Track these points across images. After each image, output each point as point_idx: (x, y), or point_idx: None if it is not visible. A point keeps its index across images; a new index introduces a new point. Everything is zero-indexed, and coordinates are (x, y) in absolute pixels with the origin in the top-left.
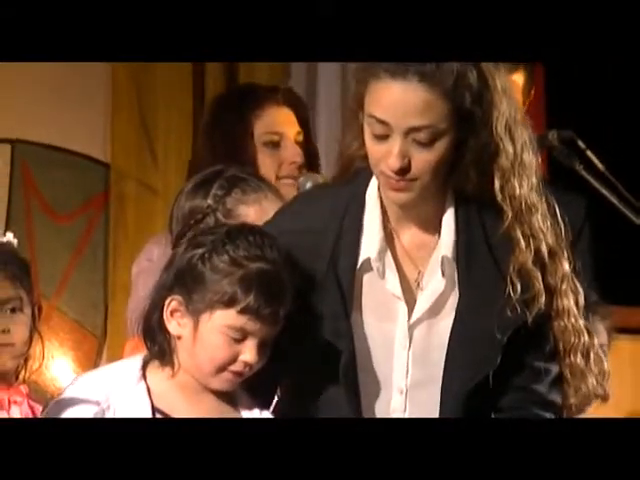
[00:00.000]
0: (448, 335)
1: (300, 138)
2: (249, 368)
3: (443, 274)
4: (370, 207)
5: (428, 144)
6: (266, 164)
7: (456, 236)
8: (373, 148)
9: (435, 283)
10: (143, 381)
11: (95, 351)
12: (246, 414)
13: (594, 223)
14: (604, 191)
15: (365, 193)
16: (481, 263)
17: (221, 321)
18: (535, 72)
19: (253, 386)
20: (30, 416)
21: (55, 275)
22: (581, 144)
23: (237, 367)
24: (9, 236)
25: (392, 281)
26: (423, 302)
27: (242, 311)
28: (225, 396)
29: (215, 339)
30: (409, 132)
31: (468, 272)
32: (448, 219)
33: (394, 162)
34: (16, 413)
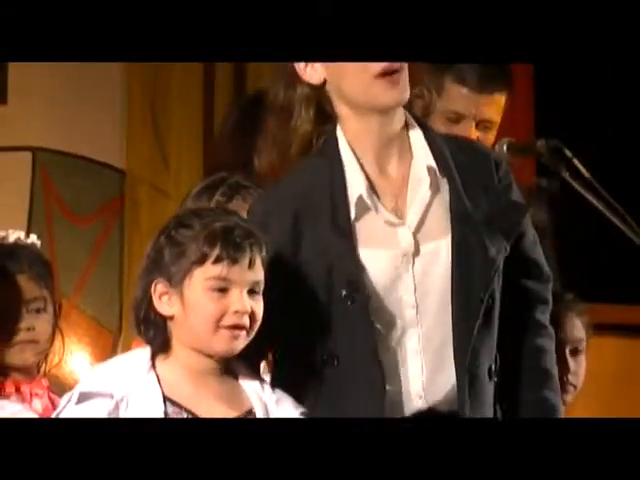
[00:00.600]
0: (448, 235)
1: None
2: (245, 319)
3: (427, 183)
4: (348, 159)
5: None
6: None
7: (431, 152)
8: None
9: (421, 193)
10: (153, 371)
11: (110, 346)
12: (249, 390)
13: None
14: (589, 197)
15: (339, 152)
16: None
17: (200, 277)
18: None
19: (251, 355)
20: (50, 408)
21: (74, 275)
22: (568, 152)
23: (231, 320)
24: (33, 238)
25: (384, 212)
26: (412, 215)
27: (215, 261)
28: (228, 376)
29: (201, 297)
30: None
31: (450, 175)
32: (418, 143)
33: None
34: (37, 405)
